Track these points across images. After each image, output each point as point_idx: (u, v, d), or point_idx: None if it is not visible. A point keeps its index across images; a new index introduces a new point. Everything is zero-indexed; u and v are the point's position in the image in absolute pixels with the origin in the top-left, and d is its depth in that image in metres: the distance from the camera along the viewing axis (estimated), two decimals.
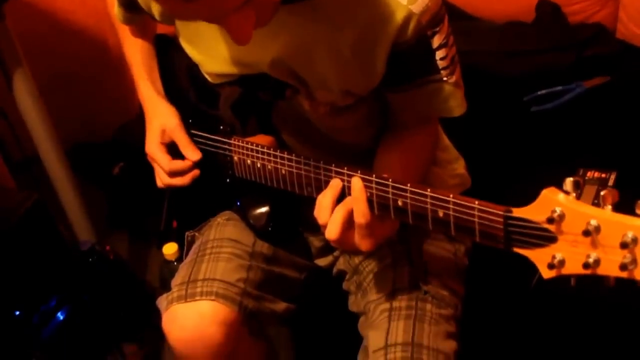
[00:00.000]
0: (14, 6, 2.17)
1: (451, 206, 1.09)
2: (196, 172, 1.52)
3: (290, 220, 1.54)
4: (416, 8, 1.21)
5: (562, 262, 0.95)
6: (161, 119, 1.55)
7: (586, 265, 0.92)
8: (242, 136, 1.46)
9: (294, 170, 1.33)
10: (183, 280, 1.45)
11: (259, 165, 1.41)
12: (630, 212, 0.88)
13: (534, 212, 0.97)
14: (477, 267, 1.58)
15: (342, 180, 1.23)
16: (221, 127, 1.49)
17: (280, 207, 1.50)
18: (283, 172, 1.35)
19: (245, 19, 1.08)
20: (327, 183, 1.25)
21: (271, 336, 1.75)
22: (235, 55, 1.38)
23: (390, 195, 1.17)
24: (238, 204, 1.54)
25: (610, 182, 1.73)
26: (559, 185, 0.95)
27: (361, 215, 1.19)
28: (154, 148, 1.54)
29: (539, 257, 0.98)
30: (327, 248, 1.62)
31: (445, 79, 1.31)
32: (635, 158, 2.00)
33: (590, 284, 0.94)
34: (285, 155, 1.34)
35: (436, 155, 1.58)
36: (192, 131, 1.53)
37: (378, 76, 1.32)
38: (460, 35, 1.41)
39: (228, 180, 1.51)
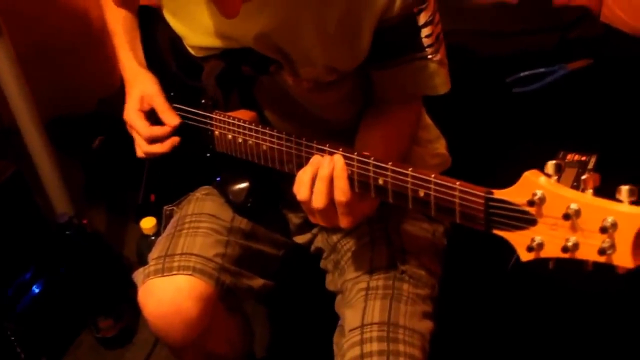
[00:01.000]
0: None
1: (432, 186, 1.08)
2: (175, 139, 1.48)
3: (270, 197, 1.54)
4: None
5: (541, 245, 0.95)
6: (140, 86, 1.52)
7: (565, 249, 0.92)
8: (223, 111, 1.44)
9: (275, 147, 1.32)
10: (160, 254, 1.44)
11: (240, 141, 1.39)
12: (611, 196, 0.88)
13: (514, 194, 0.97)
14: (456, 248, 1.58)
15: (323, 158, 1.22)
16: (203, 101, 1.48)
17: (260, 183, 1.49)
18: (264, 147, 1.34)
19: None
20: (308, 160, 1.24)
21: (248, 313, 1.75)
22: (219, 29, 1.37)
23: (371, 174, 1.16)
24: (218, 179, 1.53)
25: (590, 165, 1.74)
26: (540, 168, 0.95)
27: (341, 192, 1.18)
28: (132, 115, 1.51)
29: (518, 240, 0.98)
30: (306, 225, 1.61)
31: (430, 56, 1.31)
32: (616, 141, 2.00)
33: (569, 268, 0.94)
34: (267, 131, 1.33)
35: (417, 134, 1.58)
36: (174, 105, 1.52)
37: (363, 52, 1.31)
38: (446, 14, 1.40)
39: (208, 154, 1.50)
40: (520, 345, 1.88)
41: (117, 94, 1.70)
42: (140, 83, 1.53)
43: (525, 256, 0.97)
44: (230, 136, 1.42)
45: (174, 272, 1.40)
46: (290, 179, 1.26)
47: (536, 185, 0.94)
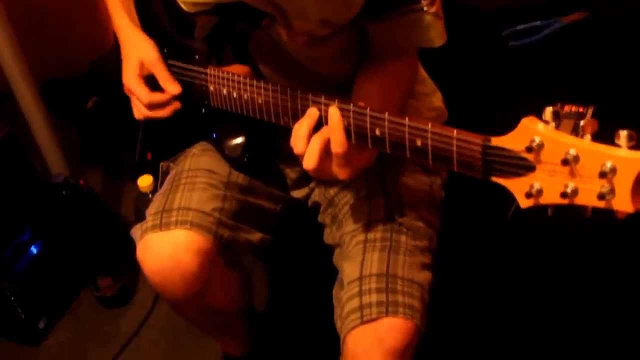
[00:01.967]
0: None
1: (429, 135, 1.08)
2: (177, 104, 1.49)
3: (266, 151, 1.53)
4: None
5: (540, 192, 0.95)
6: (139, 51, 1.51)
7: (564, 195, 0.92)
8: (217, 66, 1.43)
9: (271, 100, 1.31)
10: (157, 209, 1.44)
11: (235, 95, 1.39)
12: (610, 143, 0.88)
13: (512, 141, 0.97)
14: (453, 200, 1.58)
15: (319, 110, 1.22)
16: (197, 57, 1.47)
17: (256, 138, 1.48)
18: (259, 101, 1.34)
19: None
20: (304, 112, 1.23)
21: (246, 268, 1.76)
22: None
23: (367, 125, 1.16)
24: (214, 135, 1.53)
25: (588, 117, 1.73)
26: (538, 115, 0.94)
27: (338, 144, 1.18)
28: (132, 80, 1.51)
29: (517, 187, 0.98)
30: (303, 180, 1.61)
31: (425, 8, 1.30)
32: (612, 94, 2.00)
33: (568, 215, 0.94)
34: (262, 85, 1.32)
35: (413, 88, 1.57)
36: (168, 61, 1.51)
37: (357, 5, 1.30)
38: None
39: (204, 110, 1.49)
40: (519, 294, 1.90)
41: (109, 55, 1.69)
42: (138, 48, 1.52)
43: (524, 203, 0.97)
44: (225, 91, 1.41)
45: (172, 227, 1.40)
46: (287, 133, 1.25)
47: (534, 131, 0.93)
